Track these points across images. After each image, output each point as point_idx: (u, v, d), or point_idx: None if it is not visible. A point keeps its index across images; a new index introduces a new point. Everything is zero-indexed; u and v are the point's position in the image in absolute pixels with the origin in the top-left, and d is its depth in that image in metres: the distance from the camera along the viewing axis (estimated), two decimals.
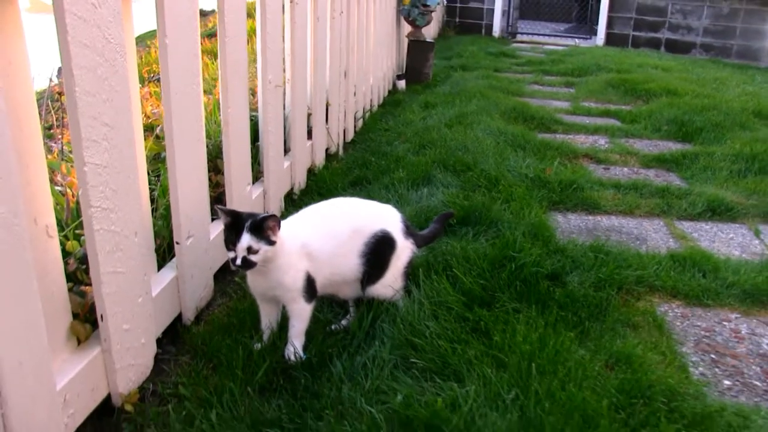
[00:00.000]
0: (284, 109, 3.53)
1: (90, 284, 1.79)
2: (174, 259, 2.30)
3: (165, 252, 2.44)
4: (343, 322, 2.30)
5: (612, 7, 12.02)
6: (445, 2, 12.70)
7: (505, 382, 1.83)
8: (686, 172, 4.25)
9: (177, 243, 2.26)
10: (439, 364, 1.94)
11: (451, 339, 2.04)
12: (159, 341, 2.18)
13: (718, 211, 3.49)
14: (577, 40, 12.99)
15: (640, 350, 2.06)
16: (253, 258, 1.94)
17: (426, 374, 1.92)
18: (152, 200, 2.63)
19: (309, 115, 3.89)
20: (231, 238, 1.95)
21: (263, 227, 1.93)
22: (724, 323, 2.40)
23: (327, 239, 2.17)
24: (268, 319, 2.20)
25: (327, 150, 4.30)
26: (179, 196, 2.20)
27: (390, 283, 2.29)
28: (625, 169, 4.34)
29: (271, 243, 1.95)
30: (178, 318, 2.32)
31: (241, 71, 2.64)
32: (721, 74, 8.48)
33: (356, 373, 1.95)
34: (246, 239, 1.92)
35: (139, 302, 1.94)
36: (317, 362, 2.04)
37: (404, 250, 2.32)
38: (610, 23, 12.13)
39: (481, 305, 2.27)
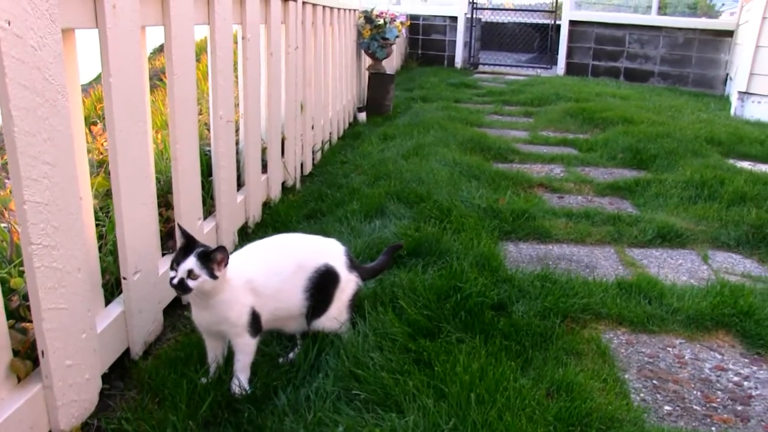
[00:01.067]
0: (238, 144, 3.56)
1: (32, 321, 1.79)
2: (122, 295, 2.31)
3: (113, 287, 2.44)
4: (291, 355, 2.31)
5: (571, 38, 12.29)
6: (407, 34, 12.84)
7: (444, 413, 1.85)
8: (639, 199, 4.33)
9: (124, 278, 2.26)
10: (381, 396, 1.96)
11: (394, 370, 2.06)
12: (107, 376, 2.18)
13: (668, 238, 3.57)
14: (538, 70, 13.22)
15: (582, 378, 2.09)
16: (190, 283, 1.95)
17: (368, 405, 1.93)
18: (102, 236, 2.64)
19: (264, 149, 3.92)
20: (178, 258, 1.97)
21: (211, 258, 1.95)
22: (668, 349, 2.45)
23: (271, 275, 2.20)
24: (214, 353, 2.21)
25: (284, 183, 4.32)
26: (125, 231, 2.21)
27: (334, 317, 2.32)
28: (579, 197, 4.41)
29: (214, 276, 1.96)
30: (127, 353, 2.32)
31: (189, 108, 2.66)
32: (677, 102, 8.68)
33: (300, 406, 1.96)
34: (190, 262, 1.94)
35: (83, 338, 1.94)
36: (262, 395, 2.05)
37: (348, 283, 2.35)
38: (570, 53, 12.38)
39: (426, 336, 2.29)
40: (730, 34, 10.94)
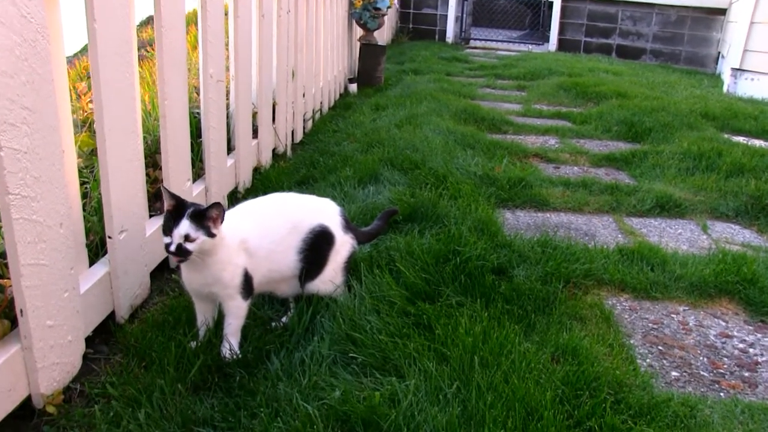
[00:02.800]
0: (228, 107, 3.45)
1: (10, 278, 1.69)
2: (107, 255, 2.20)
3: (98, 248, 2.35)
4: (283, 319, 2.23)
5: (564, 14, 12.16)
6: (398, 7, 12.69)
7: (446, 376, 1.77)
8: (635, 170, 4.26)
9: (109, 237, 2.16)
10: (380, 359, 1.87)
11: (393, 334, 1.98)
12: (90, 340, 2.09)
13: (666, 208, 3.49)
14: (530, 46, 13.11)
15: (587, 343, 2.01)
16: (189, 246, 1.85)
17: (366, 369, 1.85)
18: (86, 195, 2.54)
19: (255, 114, 3.80)
20: (169, 223, 1.87)
21: (205, 216, 1.86)
22: (672, 315, 2.38)
23: (265, 235, 2.11)
24: (204, 316, 2.12)
25: (275, 150, 4.21)
26: (111, 188, 2.10)
27: (329, 279, 2.23)
28: (575, 168, 4.33)
29: (211, 235, 1.87)
30: (111, 316, 2.22)
31: (179, 62, 2.55)
32: (669, 78, 8.60)
33: (294, 370, 1.87)
34: (185, 226, 1.85)
35: (65, 297, 1.84)
36: (254, 359, 1.96)
37: (343, 244, 2.26)
38: (562, 29, 12.26)
39: (425, 300, 2.21)
40: (722, 12, 10.85)
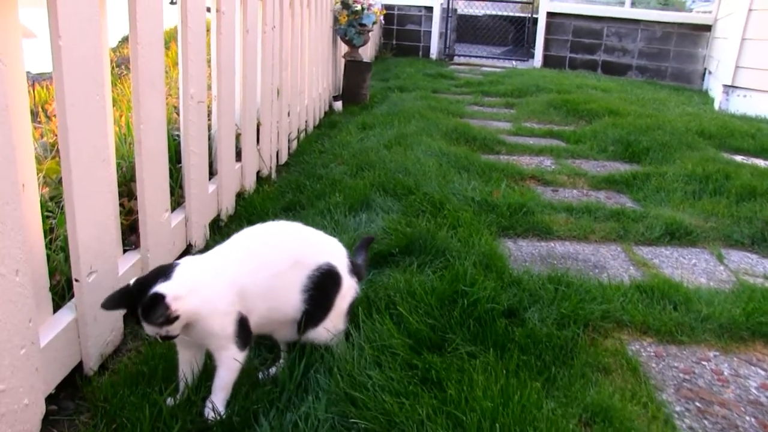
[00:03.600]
0: (210, 129, 3.21)
1: None
2: (74, 299, 1.96)
3: (65, 289, 2.10)
4: (272, 369, 1.98)
5: (549, 30, 12.04)
6: (383, 23, 12.52)
7: None
8: (638, 193, 4.06)
9: (76, 280, 1.91)
10: (385, 424, 1.63)
11: (398, 392, 1.74)
12: (54, 395, 1.85)
13: (677, 235, 3.28)
14: (514, 62, 12.99)
15: (618, 401, 1.79)
16: (171, 334, 1.67)
17: None
18: (52, 230, 2.29)
19: (238, 135, 3.56)
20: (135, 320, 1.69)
21: (153, 313, 1.63)
22: (704, 363, 2.15)
23: (262, 270, 1.84)
24: (188, 365, 1.87)
25: (259, 173, 3.98)
26: (78, 224, 1.86)
27: (332, 326, 1.97)
28: (575, 191, 4.12)
29: (174, 318, 1.65)
30: (79, 366, 1.97)
31: (156, 82, 2.31)
32: (659, 95, 8.46)
33: None
34: (150, 330, 1.66)
35: (21, 355, 1.60)
36: (240, 421, 1.71)
37: (349, 289, 2.01)
38: (546, 45, 12.13)
39: (431, 349, 1.98)
40: (707, 28, 10.77)
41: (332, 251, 2.00)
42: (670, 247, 3.21)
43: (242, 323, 1.78)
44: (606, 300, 2.38)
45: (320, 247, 1.99)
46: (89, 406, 1.86)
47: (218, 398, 1.78)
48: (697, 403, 1.93)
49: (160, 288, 1.64)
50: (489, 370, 1.84)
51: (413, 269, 2.53)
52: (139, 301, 1.64)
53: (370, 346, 1.94)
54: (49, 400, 1.80)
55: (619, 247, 3.17)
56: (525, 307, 2.28)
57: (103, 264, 2.00)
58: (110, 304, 1.69)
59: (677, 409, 1.90)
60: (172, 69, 4.86)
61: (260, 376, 1.94)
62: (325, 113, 6.58)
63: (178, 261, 1.78)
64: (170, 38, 5.96)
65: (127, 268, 2.21)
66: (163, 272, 1.70)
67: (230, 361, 1.78)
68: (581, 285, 2.47)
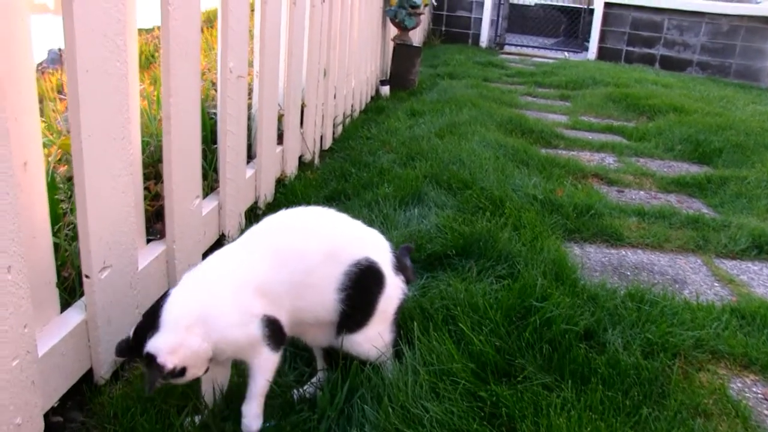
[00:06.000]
0: (250, 108, 2.93)
1: None
2: (83, 298, 1.69)
3: (77, 285, 1.84)
4: (308, 388, 1.70)
5: (605, 21, 11.54)
6: (434, 4, 12.15)
7: None
8: (713, 198, 3.70)
9: (86, 276, 1.64)
10: None
11: (460, 431, 1.45)
12: (61, 405, 1.61)
13: (765, 249, 2.91)
14: (567, 53, 12.54)
15: None
16: (197, 375, 1.48)
17: None
18: (65, 214, 2.02)
19: (280, 116, 3.28)
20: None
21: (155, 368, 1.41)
22: None
23: (287, 265, 1.55)
24: (210, 383, 1.60)
25: (301, 158, 3.69)
26: (89, 213, 1.59)
27: (374, 336, 1.66)
28: (642, 192, 3.77)
29: (182, 370, 1.43)
30: (89, 374, 1.71)
31: (190, 51, 2.03)
32: (724, 93, 7.97)
33: None
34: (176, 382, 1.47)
35: (13, 367, 1.33)
36: None
37: (394, 290, 1.68)
38: (602, 37, 11.64)
39: (498, 376, 1.67)
40: None
41: (373, 245, 1.69)
42: (758, 261, 2.84)
43: (271, 324, 1.51)
44: (697, 325, 2.04)
45: (358, 240, 1.68)
46: (98, 420, 1.60)
47: (253, 407, 1.53)
48: None
49: (150, 347, 1.40)
50: (568, 408, 1.53)
51: (472, 276, 2.23)
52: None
53: (426, 370, 1.64)
54: (55, 410, 1.58)
55: (698, 259, 2.82)
56: (604, 329, 1.95)
57: (119, 258, 1.73)
58: (120, 354, 1.50)
59: None
60: (213, 44, 4.60)
61: (295, 396, 1.66)
62: (372, 98, 6.29)
63: (169, 291, 1.51)
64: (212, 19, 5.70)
65: (149, 262, 1.94)
66: (152, 318, 1.45)
67: (263, 364, 1.53)
68: (666, 305, 2.14)
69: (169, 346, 1.39)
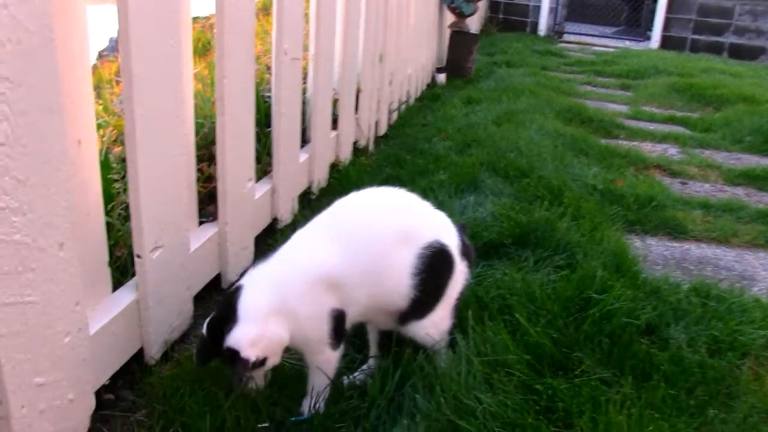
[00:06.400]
0: (305, 92, 2.90)
1: None
2: (135, 278, 1.68)
3: (129, 265, 1.83)
4: (359, 375, 1.67)
5: (670, 8, 11.18)
6: None
7: None
8: None
9: (138, 256, 1.63)
10: None
11: (514, 424, 1.39)
12: (112, 384, 1.61)
13: None
14: (628, 42, 12.25)
15: None
16: (268, 366, 1.46)
17: None
18: (119, 194, 2.02)
19: (335, 101, 3.24)
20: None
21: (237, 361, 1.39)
22: None
23: (361, 253, 1.50)
24: None
25: (355, 143, 3.66)
26: (141, 192, 1.58)
27: (439, 322, 1.61)
28: (707, 185, 3.64)
29: (262, 362, 1.40)
30: (140, 353, 1.71)
31: (244, 30, 2.01)
32: None
33: None
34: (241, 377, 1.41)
35: (65, 343, 1.33)
36: None
37: (461, 275, 1.63)
38: (666, 25, 11.29)
39: (554, 369, 1.61)
40: None
41: (442, 226, 1.63)
42: None
43: (337, 319, 1.47)
44: None
45: (429, 221, 1.62)
46: (146, 402, 1.59)
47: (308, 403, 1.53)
48: None
49: (231, 341, 1.37)
50: (628, 405, 1.46)
51: (529, 265, 2.16)
52: (221, 354, 1.40)
53: (480, 360, 1.58)
54: (106, 388, 1.58)
55: None
56: (667, 324, 1.87)
57: (171, 238, 1.72)
58: (200, 361, 1.48)
59: None
60: (268, 29, 4.59)
61: (345, 381, 1.63)
62: (428, 85, 6.22)
63: (241, 282, 1.48)
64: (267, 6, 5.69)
65: (201, 243, 1.94)
66: (228, 311, 1.42)
67: (325, 364, 1.52)
68: (735, 302, 2.04)
69: (250, 339, 1.37)
